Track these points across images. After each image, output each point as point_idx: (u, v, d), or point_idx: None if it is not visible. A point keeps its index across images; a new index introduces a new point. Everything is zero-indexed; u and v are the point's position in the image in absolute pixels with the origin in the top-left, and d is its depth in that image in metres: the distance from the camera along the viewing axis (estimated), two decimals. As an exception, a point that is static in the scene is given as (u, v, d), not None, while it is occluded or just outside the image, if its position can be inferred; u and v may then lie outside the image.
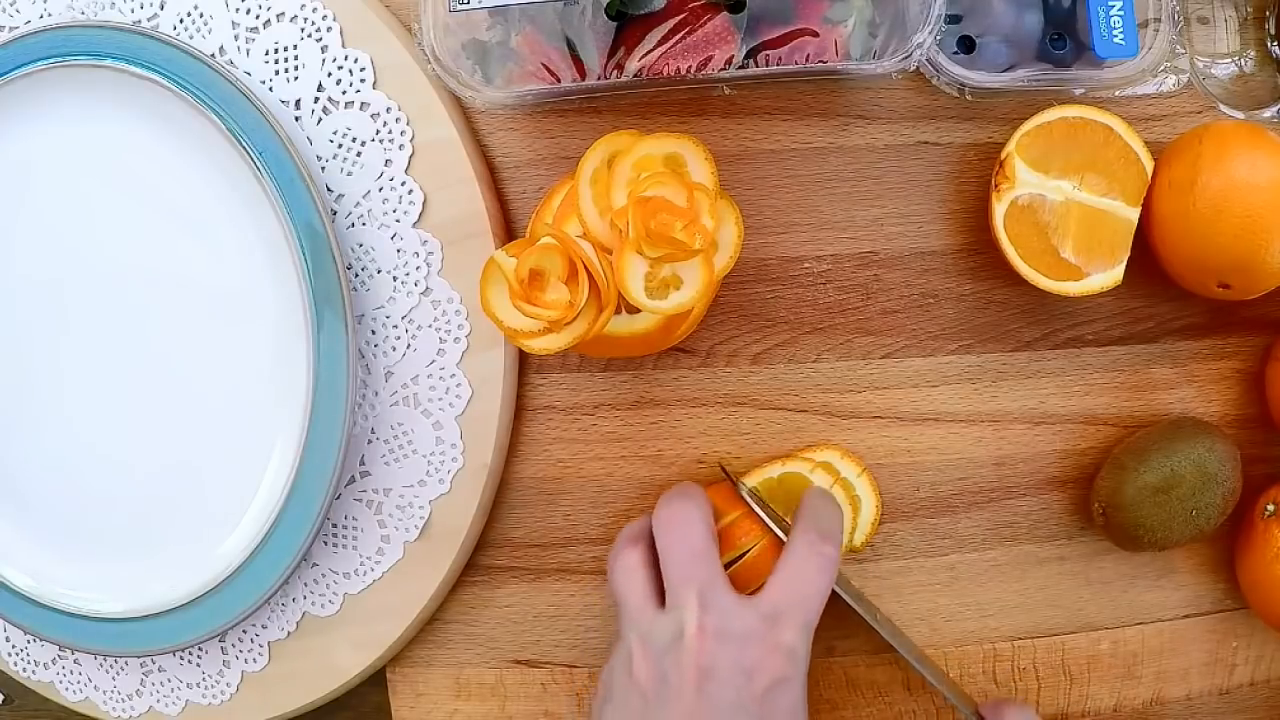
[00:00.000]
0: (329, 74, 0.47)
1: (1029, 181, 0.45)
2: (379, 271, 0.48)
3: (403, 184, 0.48)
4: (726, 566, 0.45)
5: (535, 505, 0.51)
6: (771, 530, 0.45)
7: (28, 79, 0.48)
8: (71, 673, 0.55)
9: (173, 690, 0.54)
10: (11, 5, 0.50)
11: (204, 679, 0.53)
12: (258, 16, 0.48)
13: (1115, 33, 0.45)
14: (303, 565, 0.51)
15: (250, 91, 0.46)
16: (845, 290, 0.50)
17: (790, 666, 0.41)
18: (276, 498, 0.48)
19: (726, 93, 0.48)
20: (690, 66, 0.43)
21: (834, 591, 0.44)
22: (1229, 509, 0.48)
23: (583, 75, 0.44)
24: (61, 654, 0.55)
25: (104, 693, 0.54)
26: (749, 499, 0.46)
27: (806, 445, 0.50)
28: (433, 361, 0.49)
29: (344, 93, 0.48)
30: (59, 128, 0.49)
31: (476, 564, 0.51)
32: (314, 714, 0.53)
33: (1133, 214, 0.46)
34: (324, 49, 0.47)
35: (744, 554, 0.45)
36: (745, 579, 0.45)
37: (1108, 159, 0.45)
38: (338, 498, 0.50)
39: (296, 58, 0.48)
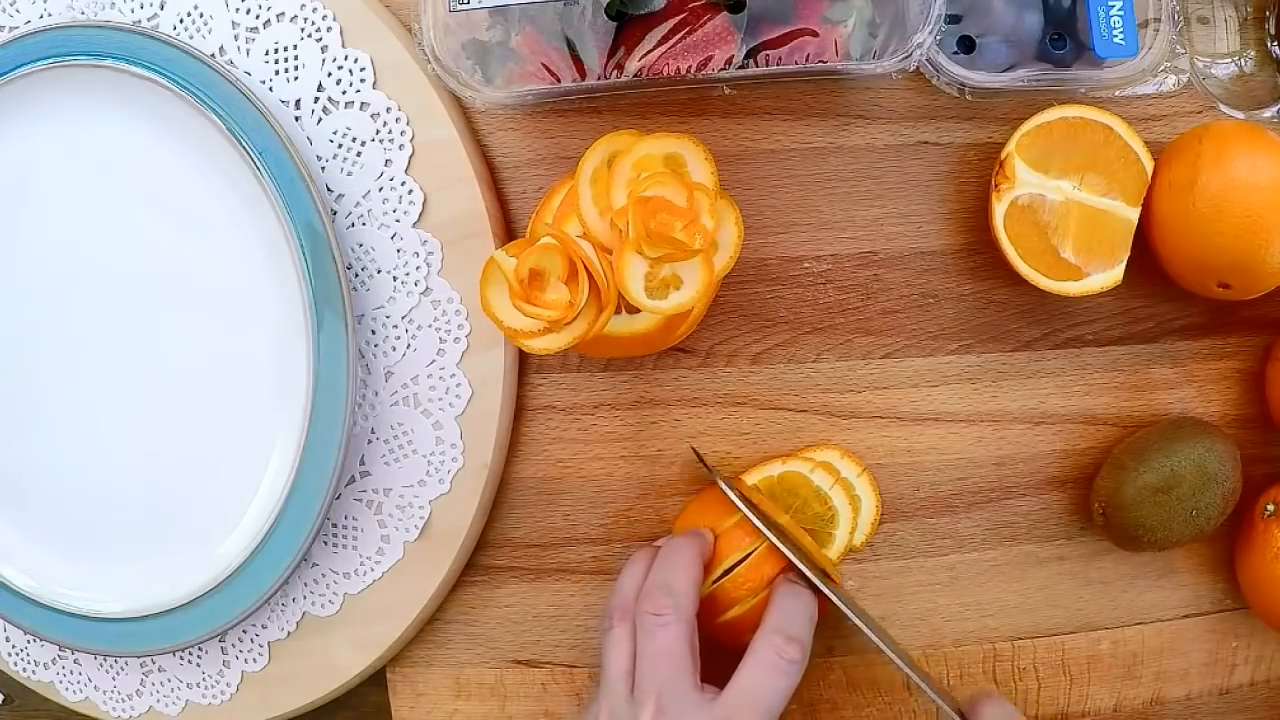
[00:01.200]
0: (329, 74, 0.47)
1: (1029, 181, 0.45)
2: (379, 271, 0.48)
3: (403, 184, 0.48)
4: (725, 574, 0.45)
5: (535, 505, 0.51)
6: (761, 532, 0.44)
7: (27, 79, 0.48)
8: (71, 673, 0.55)
9: (173, 690, 0.54)
10: (11, 5, 0.50)
11: (204, 679, 0.53)
12: (258, 16, 0.48)
13: (1115, 33, 0.45)
14: (303, 565, 0.51)
15: (250, 91, 0.46)
16: (845, 290, 0.50)
17: None
18: (276, 498, 0.48)
19: (726, 93, 0.48)
20: (690, 66, 0.43)
21: (825, 596, 0.44)
22: (1229, 509, 0.48)
23: (583, 75, 0.44)
24: (61, 654, 0.55)
25: (104, 693, 0.54)
26: (731, 494, 0.45)
27: (806, 445, 0.50)
28: (433, 361, 0.49)
29: (344, 93, 0.47)
30: (59, 128, 0.49)
31: (476, 564, 0.51)
32: (314, 714, 0.53)
33: (1133, 214, 0.45)
34: (324, 49, 0.47)
35: (747, 556, 0.45)
36: (738, 591, 0.45)
37: (1108, 159, 0.45)
38: (338, 498, 0.50)
39: (296, 58, 0.48)
